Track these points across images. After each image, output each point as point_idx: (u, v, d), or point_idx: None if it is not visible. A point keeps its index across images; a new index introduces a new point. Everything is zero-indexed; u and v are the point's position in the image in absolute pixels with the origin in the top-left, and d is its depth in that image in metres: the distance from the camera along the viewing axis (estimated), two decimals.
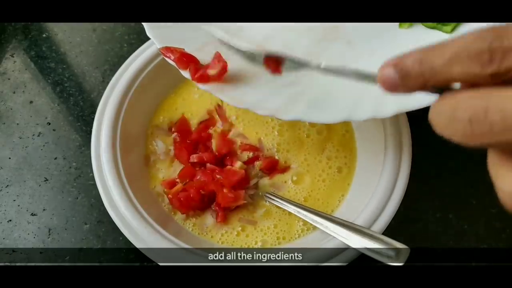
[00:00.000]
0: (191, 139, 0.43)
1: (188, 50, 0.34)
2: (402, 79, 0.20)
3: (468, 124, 0.17)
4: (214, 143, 0.42)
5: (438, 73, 0.19)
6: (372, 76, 0.22)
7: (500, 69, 0.17)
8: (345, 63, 0.34)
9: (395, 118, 0.40)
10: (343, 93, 0.31)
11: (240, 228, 0.40)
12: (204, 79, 0.32)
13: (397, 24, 0.38)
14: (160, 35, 0.34)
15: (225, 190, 0.39)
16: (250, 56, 0.28)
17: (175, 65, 0.34)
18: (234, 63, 0.32)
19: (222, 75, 0.33)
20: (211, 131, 0.44)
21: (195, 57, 0.34)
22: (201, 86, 0.33)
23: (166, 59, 0.34)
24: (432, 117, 0.19)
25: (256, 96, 0.32)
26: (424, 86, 0.20)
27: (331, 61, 0.30)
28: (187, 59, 0.34)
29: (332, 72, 0.25)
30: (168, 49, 0.34)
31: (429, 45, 0.19)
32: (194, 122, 0.45)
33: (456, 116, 0.17)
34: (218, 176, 0.40)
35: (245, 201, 0.40)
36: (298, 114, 0.31)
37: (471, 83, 0.18)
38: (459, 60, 0.18)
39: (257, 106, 0.31)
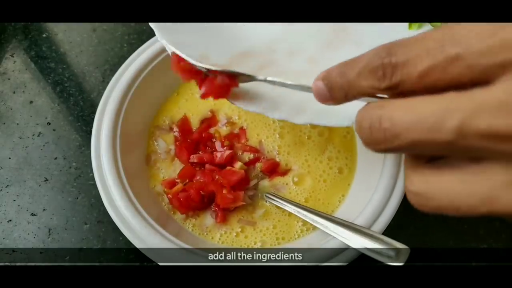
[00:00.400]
0: (192, 139, 0.43)
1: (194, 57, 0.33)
2: (329, 91, 0.22)
3: (369, 132, 0.19)
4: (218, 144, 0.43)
5: (352, 86, 0.21)
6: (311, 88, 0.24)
7: (392, 83, 0.19)
8: None
9: None
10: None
11: (239, 229, 0.40)
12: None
13: (406, 25, 0.37)
14: (170, 37, 0.34)
15: (224, 191, 0.39)
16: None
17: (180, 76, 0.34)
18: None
19: (229, 92, 0.33)
20: (212, 130, 0.44)
21: (201, 71, 0.34)
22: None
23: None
24: (356, 120, 0.21)
25: (268, 100, 0.32)
26: (347, 98, 0.22)
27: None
28: (192, 74, 0.33)
29: (277, 85, 0.28)
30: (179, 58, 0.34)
31: (349, 59, 0.21)
32: (196, 122, 0.45)
33: (361, 125, 0.20)
34: (217, 177, 0.40)
35: (244, 203, 0.40)
36: (310, 117, 0.31)
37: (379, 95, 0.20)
38: (363, 75, 0.20)
39: (270, 110, 0.31)
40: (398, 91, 0.19)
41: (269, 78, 0.28)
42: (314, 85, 0.23)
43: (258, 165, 0.42)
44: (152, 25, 0.33)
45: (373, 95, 0.21)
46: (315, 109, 0.31)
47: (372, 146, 0.19)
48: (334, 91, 0.22)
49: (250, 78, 0.29)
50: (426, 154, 0.19)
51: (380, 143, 0.19)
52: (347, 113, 0.30)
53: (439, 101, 0.17)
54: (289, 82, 0.27)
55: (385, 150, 0.19)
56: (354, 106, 0.30)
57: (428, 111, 0.17)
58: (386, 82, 0.19)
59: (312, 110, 0.31)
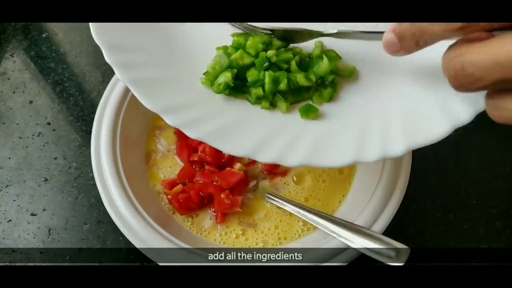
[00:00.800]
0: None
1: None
2: (400, 40, 0.24)
3: (455, 79, 0.21)
4: None
5: (424, 32, 0.22)
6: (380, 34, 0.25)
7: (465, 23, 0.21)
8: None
9: None
10: (344, 134, 0.29)
11: (240, 232, 0.40)
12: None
13: None
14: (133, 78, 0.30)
15: (222, 195, 0.39)
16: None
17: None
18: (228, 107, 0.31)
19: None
20: None
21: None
22: (192, 135, 0.29)
23: None
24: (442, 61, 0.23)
25: (254, 141, 0.29)
26: (418, 45, 0.23)
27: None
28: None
29: (344, 36, 0.28)
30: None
31: None
32: None
33: (448, 74, 0.22)
34: (216, 178, 0.40)
35: (240, 210, 0.39)
36: (303, 159, 0.28)
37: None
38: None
39: (257, 152, 0.28)
40: (472, 30, 0.21)
41: (340, 29, 0.29)
42: (385, 37, 0.24)
43: (259, 165, 0.42)
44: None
45: (444, 39, 0.22)
46: (307, 148, 0.29)
47: (461, 89, 0.22)
48: (405, 39, 0.23)
49: (313, 34, 0.30)
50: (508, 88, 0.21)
51: (468, 86, 0.21)
52: (343, 150, 0.28)
53: (509, 41, 0.19)
54: (361, 30, 0.28)
55: (474, 90, 0.21)
56: (351, 142, 0.29)
57: (503, 52, 0.19)
58: (460, 23, 0.21)
59: (304, 150, 0.28)
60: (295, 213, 0.38)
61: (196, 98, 0.31)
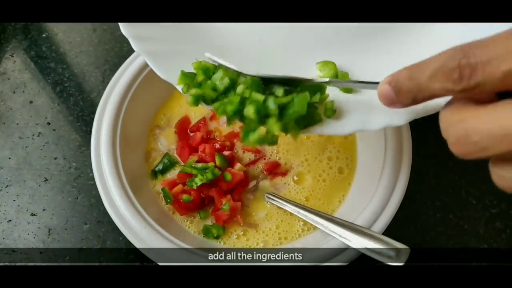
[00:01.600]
0: (193, 139, 0.43)
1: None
2: (396, 95, 0.22)
3: (458, 145, 0.20)
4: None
5: (422, 89, 0.21)
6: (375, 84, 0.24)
7: (469, 85, 0.19)
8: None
9: None
10: (351, 104, 0.30)
11: (242, 232, 0.40)
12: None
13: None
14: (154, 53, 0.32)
15: (224, 206, 0.39)
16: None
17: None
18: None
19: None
20: (213, 128, 0.44)
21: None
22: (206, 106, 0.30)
23: None
24: (440, 123, 0.21)
25: None
26: (415, 101, 0.22)
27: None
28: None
29: (337, 85, 0.28)
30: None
31: (417, 62, 0.21)
32: (196, 120, 0.45)
33: (448, 139, 0.20)
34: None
35: (240, 220, 0.40)
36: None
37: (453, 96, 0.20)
38: (436, 78, 0.20)
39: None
40: (475, 93, 0.19)
41: (331, 79, 0.28)
42: (380, 89, 0.23)
43: (259, 165, 0.42)
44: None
45: (445, 96, 0.21)
46: None
47: (464, 156, 0.20)
48: (402, 94, 0.22)
49: (304, 82, 0.28)
50: None
51: (473, 154, 0.19)
52: (350, 120, 0.29)
53: None
54: (358, 82, 0.27)
55: (478, 158, 0.20)
56: (358, 112, 0.30)
57: None
58: (463, 84, 0.19)
59: None
60: (295, 213, 0.38)
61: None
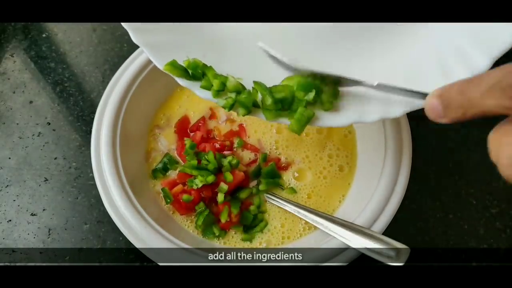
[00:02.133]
0: (193, 138, 0.43)
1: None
2: (444, 109, 0.21)
3: (510, 168, 0.19)
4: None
5: (474, 105, 0.20)
6: (422, 95, 0.24)
7: None
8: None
9: (395, 118, 0.40)
10: (348, 96, 0.31)
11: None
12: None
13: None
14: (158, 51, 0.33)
15: (222, 213, 0.39)
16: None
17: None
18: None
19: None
20: (212, 127, 0.44)
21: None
22: (202, 95, 0.32)
23: None
24: (488, 146, 0.20)
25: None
26: (464, 117, 0.21)
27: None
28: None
29: (384, 90, 0.27)
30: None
31: (469, 77, 0.20)
32: (196, 120, 0.45)
33: (500, 160, 0.19)
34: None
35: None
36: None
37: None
38: (492, 94, 0.19)
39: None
40: None
41: (376, 84, 0.28)
42: (428, 102, 0.22)
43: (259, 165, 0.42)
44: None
45: (495, 115, 0.20)
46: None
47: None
48: (451, 109, 0.21)
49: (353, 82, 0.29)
50: None
51: None
52: (347, 111, 0.30)
53: None
54: (401, 86, 0.26)
55: None
56: (355, 104, 0.30)
57: None
58: None
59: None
60: (295, 213, 0.38)
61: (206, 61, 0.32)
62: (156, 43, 0.32)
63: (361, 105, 0.30)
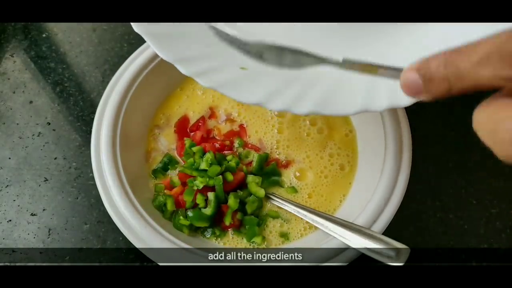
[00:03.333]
0: (193, 139, 0.43)
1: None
2: (425, 84, 0.18)
3: (501, 147, 0.16)
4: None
5: (464, 77, 0.17)
6: (397, 72, 0.20)
7: None
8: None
9: (395, 118, 0.40)
10: (354, 84, 0.30)
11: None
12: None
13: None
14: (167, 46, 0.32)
15: (226, 217, 0.39)
16: (256, 53, 0.27)
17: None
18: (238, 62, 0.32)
19: None
20: (212, 126, 0.44)
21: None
22: (205, 84, 0.30)
23: None
24: (476, 127, 0.18)
25: (265, 91, 0.30)
26: (449, 92, 0.18)
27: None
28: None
29: (351, 68, 0.24)
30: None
31: (455, 47, 0.18)
32: (195, 120, 0.45)
33: (498, 136, 0.16)
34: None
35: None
36: (313, 107, 0.29)
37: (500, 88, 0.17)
38: (489, 62, 0.16)
39: (268, 101, 0.29)
40: None
41: (342, 60, 0.24)
42: (404, 77, 0.19)
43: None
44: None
45: (492, 88, 0.17)
46: (318, 96, 0.30)
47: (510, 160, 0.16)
48: (433, 83, 0.18)
49: (317, 60, 0.25)
50: None
51: None
52: (352, 100, 0.29)
53: None
54: (380, 64, 0.22)
55: None
56: (360, 92, 0.30)
57: None
58: None
59: (315, 97, 0.30)
60: (295, 213, 0.38)
61: (209, 51, 0.32)
62: (158, 32, 0.32)
63: (368, 93, 0.29)
